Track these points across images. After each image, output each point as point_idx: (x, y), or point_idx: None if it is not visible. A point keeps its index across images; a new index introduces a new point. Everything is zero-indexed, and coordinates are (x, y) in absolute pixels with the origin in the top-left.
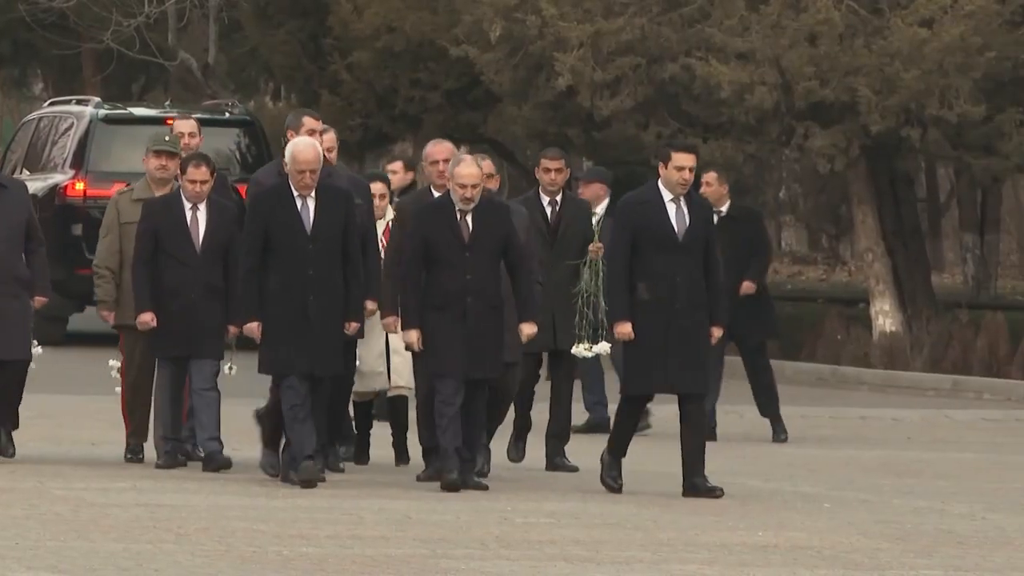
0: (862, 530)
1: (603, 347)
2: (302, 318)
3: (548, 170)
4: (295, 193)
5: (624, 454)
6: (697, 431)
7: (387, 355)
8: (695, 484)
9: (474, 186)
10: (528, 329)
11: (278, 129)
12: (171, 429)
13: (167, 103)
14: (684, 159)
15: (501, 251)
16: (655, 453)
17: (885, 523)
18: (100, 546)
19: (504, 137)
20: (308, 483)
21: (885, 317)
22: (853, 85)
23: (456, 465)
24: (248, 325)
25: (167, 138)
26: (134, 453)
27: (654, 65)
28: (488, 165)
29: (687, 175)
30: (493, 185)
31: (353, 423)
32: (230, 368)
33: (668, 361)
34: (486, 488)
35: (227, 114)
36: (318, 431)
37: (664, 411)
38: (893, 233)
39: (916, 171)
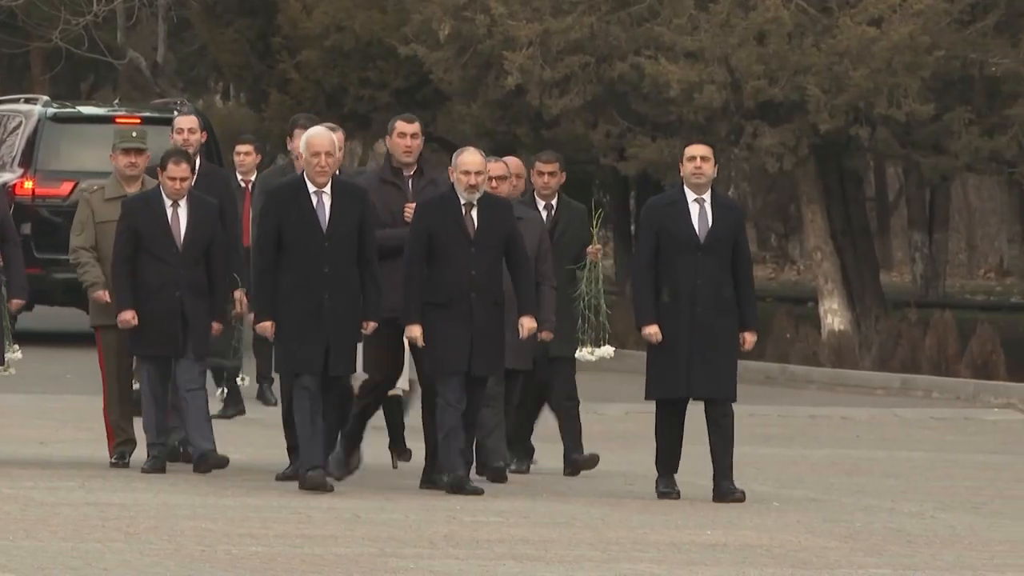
0: (811, 529)
1: (606, 350)
2: (317, 317)
3: (542, 173)
4: (311, 189)
5: (674, 467)
6: (723, 436)
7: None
8: (728, 489)
9: (478, 173)
10: (528, 323)
11: (228, 128)
12: (156, 434)
13: (116, 102)
14: (694, 149)
15: (504, 247)
16: (607, 455)
17: (834, 522)
18: (49, 545)
19: (453, 136)
20: (312, 490)
21: (834, 316)
22: (802, 84)
23: (462, 465)
24: (261, 324)
25: (134, 134)
26: (121, 457)
27: (603, 64)
28: (516, 164)
29: (699, 164)
30: (520, 185)
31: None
32: (242, 379)
33: (690, 366)
34: (482, 492)
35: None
36: (329, 433)
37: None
38: (842, 232)
39: (865, 170)
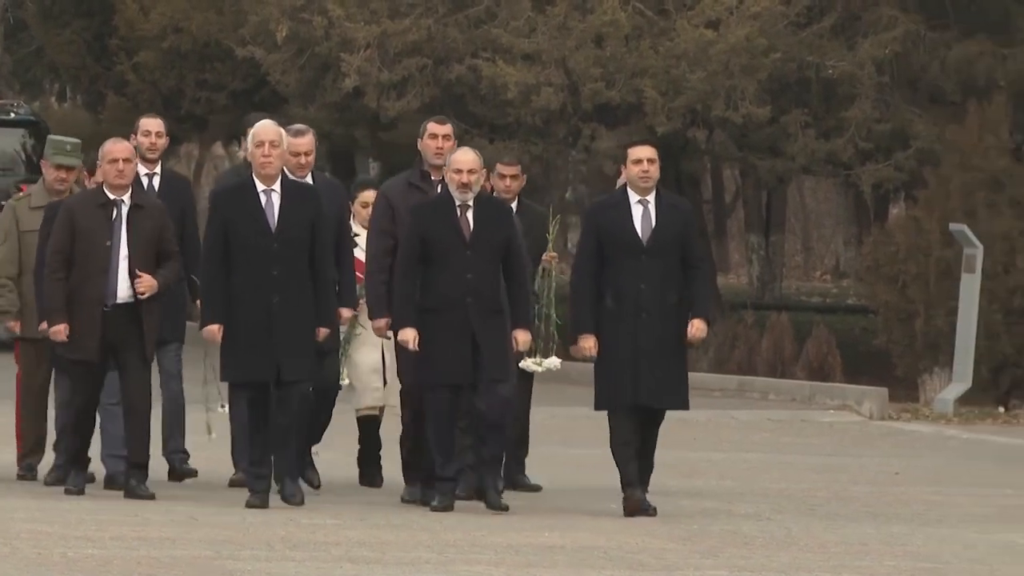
0: (649, 530)
1: (553, 362)
2: (266, 321)
3: (503, 176)
4: (259, 188)
5: (634, 481)
6: (650, 447)
7: (384, 370)
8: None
9: (471, 171)
10: (523, 336)
11: (65, 131)
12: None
13: None
14: (640, 151)
15: (502, 252)
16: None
17: (672, 523)
18: None
19: None
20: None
21: None
22: (639, 86)
23: (450, 489)
24: (208, 328)
25: (69, 147)
26: (28, 470)
27: (440, 66)
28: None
29: (646, 167)
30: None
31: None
32: (222, 406)
33: (640, 375)
34: (506, 508)
35: (12, 114)
36: (286, 436)
37: None
38: None
39: (702, 172)
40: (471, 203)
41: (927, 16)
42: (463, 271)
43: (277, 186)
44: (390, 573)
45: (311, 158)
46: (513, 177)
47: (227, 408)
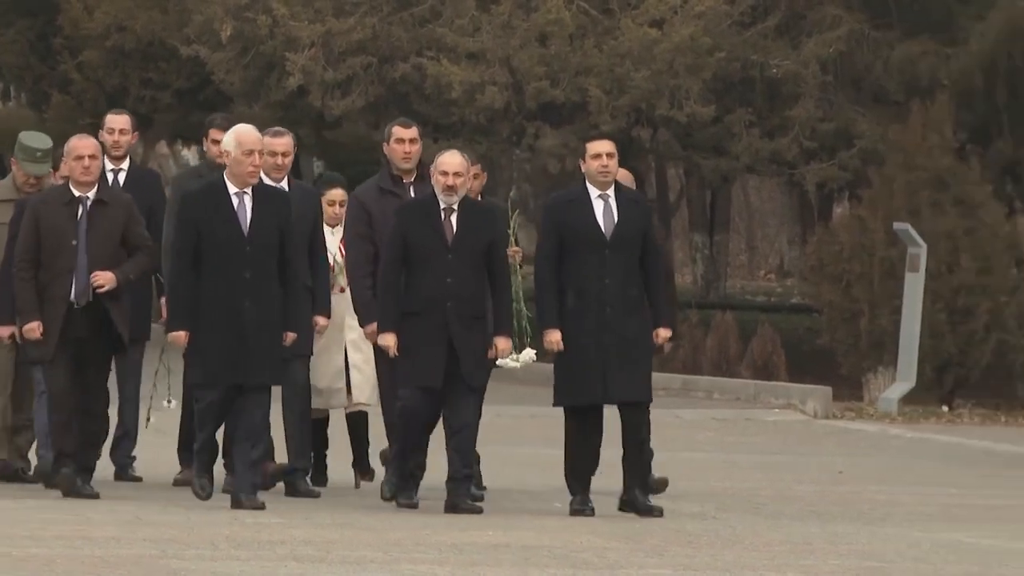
0: (592, 529)
1: (528, 354)
2: (237, 324)
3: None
4: (232, 190)
5: (587, 482)
6: (636, 443)
7: (347, 371)
8: (633, 500)
9: (457, 175)
10: (503, 344)
11: (6, 129)
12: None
13: None
14: (599, 146)
15: (485, 258)
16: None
17: (616, 522)
18: None
19: None
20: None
21: None
22: (584, 85)
23: (413, 486)
24: (174, 334)
25: (39, 154)
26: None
27: (385, 65)
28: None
29: (605, 161)
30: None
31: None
32: (169, 402)
33: (604, 369)
34: (480, 511)
35: None
36: (256, 437)
37: None
38: None
39: (646, 171)
40: (456, 207)
41: (871, 15)
42: (444, 275)
43: (249, 189)
44: (335, 572)
45: (288, 159)
46: (475, 176)
47: (173, 404)
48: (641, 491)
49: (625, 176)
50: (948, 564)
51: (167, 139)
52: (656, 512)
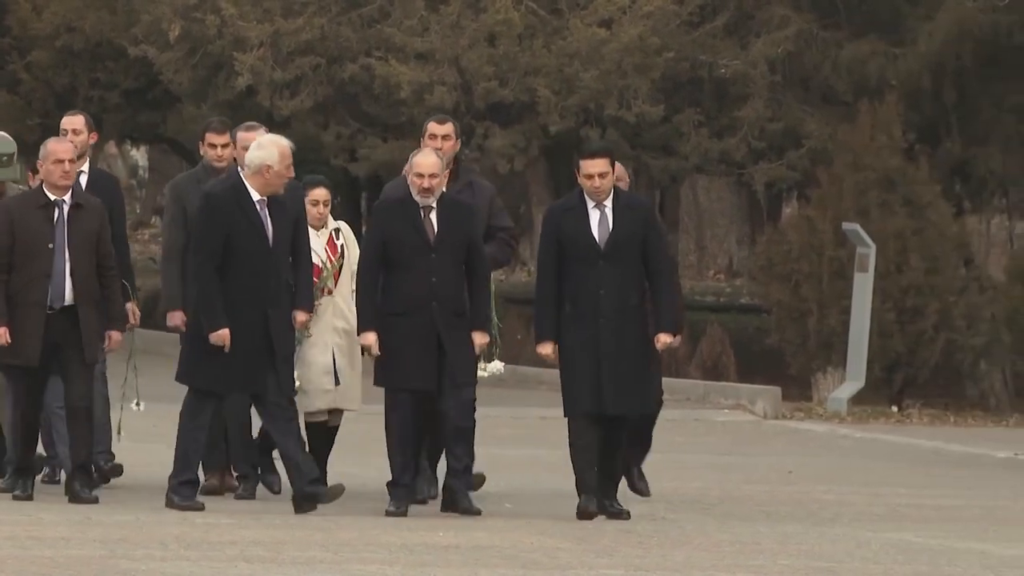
0: (543, 530)
1: (496, 366)
2: (263, 331)
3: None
4: (255, 198)
5: (589, 488)
6: (614, 450)
7: (335, 372)
8: (602, 504)
9: (432, 175)
10: (479, 339)
11: None
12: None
13: None
14: (590, 166)
15: (465, 254)
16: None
17: (566, 523)
18: None
19: (183, 137)
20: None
21: None
22: (532, 85)
23: (405, 495)
24: (219, 333)
25: (3, 159)
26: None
27: (334, 65)
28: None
29: (597, 183)
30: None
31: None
32: (137, 404)
33: (601, 381)
34: (479, 513)
35: None
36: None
37: None
38: None
39: None
40: (434, 204)
41: (819, 16)
42: (428, 274)
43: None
44: (285, 572)
45: None
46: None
47: (142, 407)
48: (610, 497)
49: (617, 170)
50: (897, 564)
51: (116, 139)
52: (624, 515)
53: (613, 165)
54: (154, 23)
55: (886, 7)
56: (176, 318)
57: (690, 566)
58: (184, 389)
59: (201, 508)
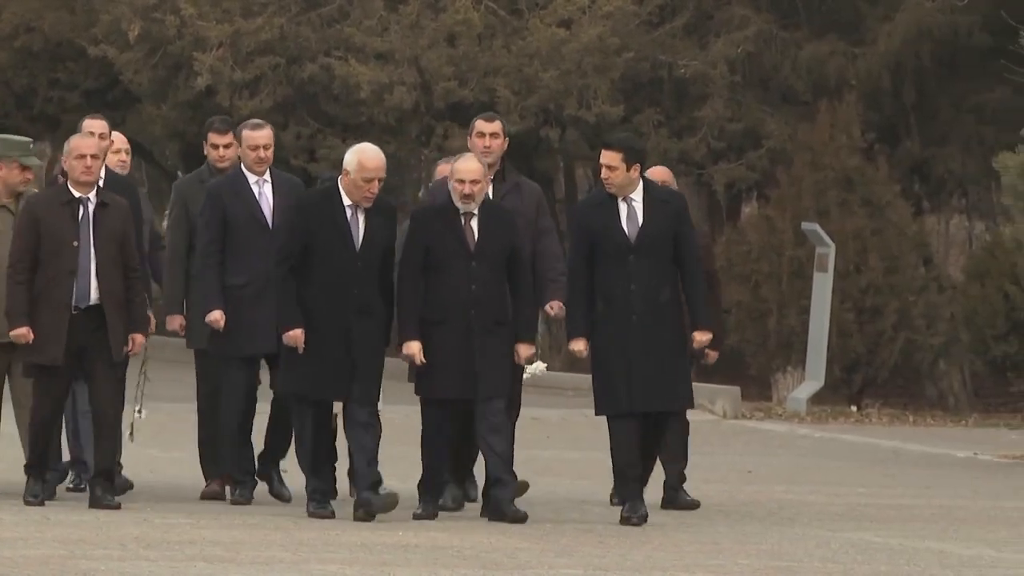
0: (502, 530)
1: (539, 366)
2: (343, 339)
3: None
4: (346, 203)
5: (635, 488)
6: (649, 448)
7: None
8: (671, 498)
9: (474, 182)
10: (525, 351)
11: None
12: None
13: None
14: (601, 157)
15: (506, 262)
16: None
17: (526, 523)
18: None
19: (143, 137)
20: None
21: None
22: (492, 85)
23: (434, 500)
24: (293, 332)
25: (31, 147)
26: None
27: (293, 65)
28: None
29: (607, 174)
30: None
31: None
32: (139, 411)
33: (632, 379)
34: (525, 518)
35: None
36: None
37: None
38: None
39: (555, 171)
40: (475, 211)
41: (779, 16)
42: (467, 282)
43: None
44: (244, 572)
45: (270, 152)
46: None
47: (144, 414)
48: (674, 488)
49: (661, 173)
50: (857, 564)
51: None
52: (694, 505)
53: (631, 160)
54: (114, 23)
55: (846, 7)
56: (175, 322)
57: (650, 566)
58: (180, 392)
59: (331, 516)
